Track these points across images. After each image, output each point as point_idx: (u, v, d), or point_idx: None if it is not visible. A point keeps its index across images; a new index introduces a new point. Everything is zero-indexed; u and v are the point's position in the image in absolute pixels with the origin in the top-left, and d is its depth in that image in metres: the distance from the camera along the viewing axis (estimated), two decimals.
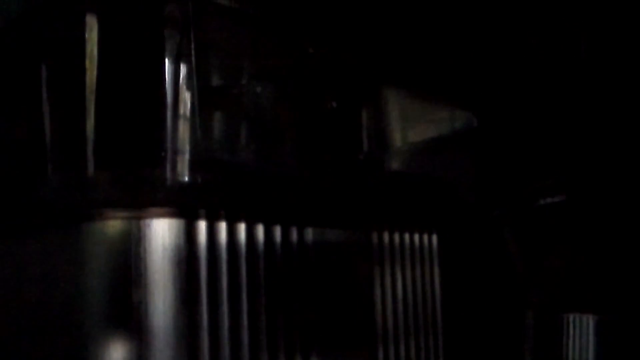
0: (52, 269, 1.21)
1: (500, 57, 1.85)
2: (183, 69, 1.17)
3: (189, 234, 1.18)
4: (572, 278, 1.62)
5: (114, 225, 1.16)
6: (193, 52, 1.17)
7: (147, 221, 1.13)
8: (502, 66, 1.85)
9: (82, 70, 1.19)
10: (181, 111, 1.15)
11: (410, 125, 1.77)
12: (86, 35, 1.18)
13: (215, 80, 1.31)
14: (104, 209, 1.13)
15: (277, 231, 1.34)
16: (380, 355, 1.56)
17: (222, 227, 1.23)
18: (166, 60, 1.16)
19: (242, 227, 1.26)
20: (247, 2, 1.32)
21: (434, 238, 1.76)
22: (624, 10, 1.56)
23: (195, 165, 1.16)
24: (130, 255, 1.14)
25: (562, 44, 1.75)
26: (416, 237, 1.72)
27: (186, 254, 1.17)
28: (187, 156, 1.15)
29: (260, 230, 1.30)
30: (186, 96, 1.15)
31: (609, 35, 1.64)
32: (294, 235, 1.37)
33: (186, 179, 1.15)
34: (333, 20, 1.50)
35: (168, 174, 1.13)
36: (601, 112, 1.67)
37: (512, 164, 1.89)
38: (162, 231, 1.14)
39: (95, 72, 1.19)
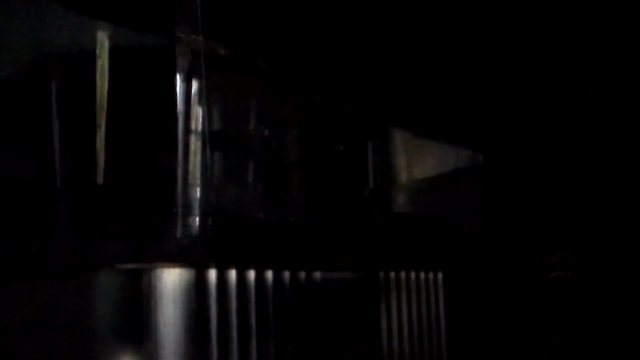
0: (60, 317, 1.19)
1: (505, 99, 1.84)
2: (194, 121, 1.15)
3: (200, 284, 1.16)
4: None
5: (124, 276, 1.14)
6: (204, 101, 1.16)
7: (158, 272, 1.12)
8: (508, 107, 1.84)
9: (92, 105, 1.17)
10: (191, 164, 1.13)
11: (415, 163, 1.75)
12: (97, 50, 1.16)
13: (223, 127, 1.29)
14: (115, 261, 1.11)
15: (286, 276, 1.32)
16: None
17: (232, 275, 1.21)
18: (178, 117, 1.15)
19: (251, 275, 1.25)
20: (256, 54, 1.31)
21: (440, 276, 1.75)
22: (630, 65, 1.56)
23: (205, 218, 1.14)
24: (140, 306, 1.12)
25: (569, 95, 1.75)
26: (422, 275, 1.70)
27: (197, 305, 1.16)
28: (197, 210, 1.13)
29: (269, 276, 1.28)
30: (197, 154, 1.13)
31: (615, 89, 1.63)
32: (303, 279, 1.35)
33: (197, 232, 1.14)
34: (338, 68, 1.49)
35: (179, 228, 1.12)
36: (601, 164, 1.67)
37: (519, 202, 1.88)
38: (172, 282, 1.13)
39: (107, 99, 1.17)
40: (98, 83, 1.19)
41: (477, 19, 1.73)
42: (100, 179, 1.18)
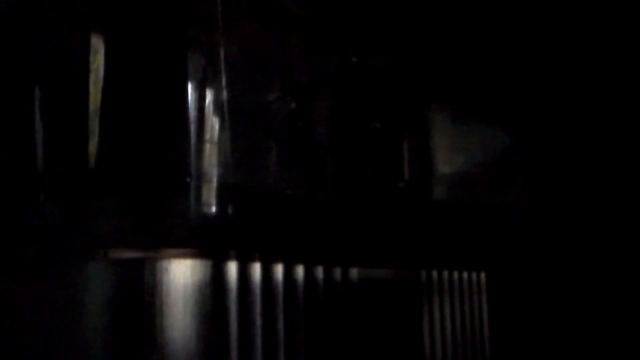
0: (50, 315, 0.93)
1: (555, 80, 1.64)
2: (210, 82, 0.91)
3: (217, 279, 0.91)
4: None
5: (122, 267, 0.88)
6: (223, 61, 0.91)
7: (165, 263, 0.86)
8: (559, 88, 1.64)
9: (84, 91, 0.92)
10: (207, 131, 0.88)
11: (455, 151, 1.53)
12: (91, 57, 0.92)
13: (243, 96, 1.04)
14: (109, 247, 0.86)
15: (319, 272, 1.08)
16: None
17: (256, 269, 0.96)
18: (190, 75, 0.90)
19: (279, 269, 1.00)
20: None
21: (482, 276, 1.55)
22: None
23: (223, 194, 0.89)
24: (142, 307, 0.87)
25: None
26: (464, 274, 1.50)
27: (213, 305, 0.90)
28: (214, 182, 0.88)
29: (300, 271, 1.04)
30: (213, 115, 0.88)
31: None
32: (338, 275, 1.11)
33: (214, 210, 0.88)
34: (381, 27, 1.25)
35: (192, 204, 0.86)
36: None
37: (569, 194, 1.68)
38: (183, 276, 0.87)
39: (100, 93, 0.93)
40: (92, 91, 0.95)
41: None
42: (92, 154, 0.93)
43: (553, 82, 1.66)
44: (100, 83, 0.95)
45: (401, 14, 1.30)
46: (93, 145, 0.94)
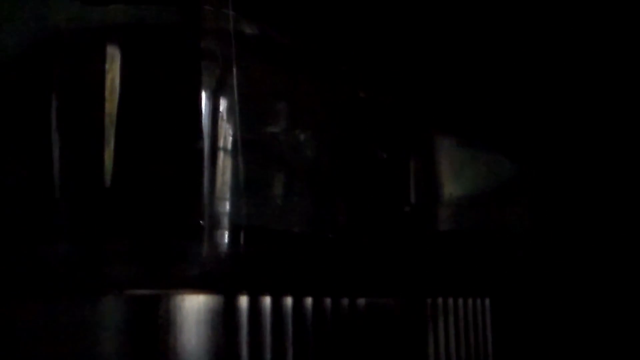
0: (60, 348, 0.95)
1: (559, 106, 1.65)
2: (221, 123, 0.93)
3: (229, 313, 0.93)
4: None
5: (136, 302, 0.90)
6: (236, 99, 0.93)
7: (178, 299, 0.88)
8: (563, 115, 1.65)
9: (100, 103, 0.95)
10: (219, 173, 0.90)
11: (460, 176, 1.54)
12: (106, 66, 0.94)
13: (254, 131, 1.06)
14: (122, 287, 0.88)
15: (327, 304, 1.09)
16: None
17: (266, 302, 0.98)
18: (203, 111, 0.92)
19: (288, 302, 1.02)
20: (292, 35, 1.09)
21: (487, 302, 1.56)
22: None
23: (234, 235, 0.91)
24: (156, 341, 0.89)
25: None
26: (469, 301, 1.51)
27: (226, 338, 0.93)
28: (226, 224, 0.90)
29: (308, 304, 1.06)
30: (225, 156, 0.91)
31: None
32: (346, 306, 1.13)
33: (225, 250, 0.91)
34: (388, 62, 1.27)
35: (205, 246, 0.88)
36: None
37: (569, 216, 1.69)
38: (196, 311, 0.89)
39: (115, 107, 0.95)
40: (108, 99, 0.97)
41: (535, 31, 1.54)
42: (107, 184, 0.95)
43: (558, 109, 1.68)
44: (117, 95, 0.98)
45: (407, 50, 1.32)
46: (109, 158, 0.96)
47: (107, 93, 0.98)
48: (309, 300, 1.05)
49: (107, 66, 0.98)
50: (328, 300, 1.09)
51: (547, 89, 1.66)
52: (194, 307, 0.90)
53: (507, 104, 1.60)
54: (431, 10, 1.36)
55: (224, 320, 0.92)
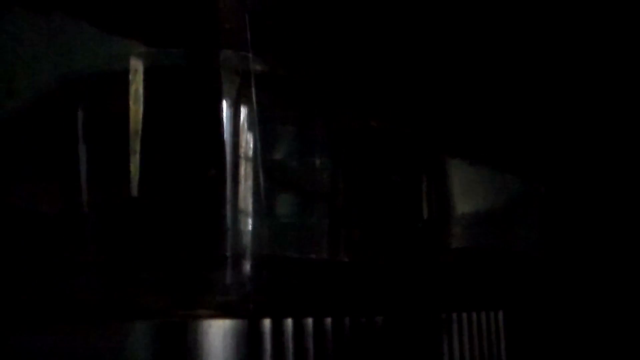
0: None
1: (569, 124, 1.66)
2: (242, 151, 0.95)
3: (253, 336, 0.95)
4: None
5: (164, 328, 0.92)
6: (255, 127, 0.95)
7: (205, 325, 0.90)
8: (570, 136, 1.66)
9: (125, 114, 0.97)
10: (242, 200, 0.93)
11: (471, 195, 1.55)
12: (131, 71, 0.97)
13: (270, 158, 1.09)
14: (150, 312, 0.90)
15: (346, 323, 1.11)
16: None
17: (289, 324, 1.00)
18: (226, 145, 0.94)
19: (309, 323, 1.03)
20: (309, 75, 1.11)
21: (500, 315, 1.56)
22: None
23: (257, 262, 0.93)
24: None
25: None
26: (482, 316, 1.51)
27: (248, 357, 0.94)
28: (249, 252, 0.92)
29: (328, 323, 1.07)
30: (247, 186, 0.93)
31: None
32: (364, 325, 1.14)
33: (249, 279, 0.93)
34: (398, 93, 1.29)
35: (229, 276, 0.90)
36: None
37: (583, 234, 1.69)
38: (222, 336, 0.91)
39: (140, 119, 0.97)
40: (132, 108, 1.00)
41: (543, 51, 1.55)
42: (133, 211, 0.97)
43: (568, 128, 1.69)
44: (141, 106, 1.00)
45: (415, 81, 1.34)
46: (135, 170, 0.98)
47: (132, 123, 1.00)
48: (328, 321, 1.07)
49: (130, 92, 1.00)
50: (347, 320, 1.10)
51: (557, 109, 1.67)
52: (220, 332, 0.92)
53: (517, 123, 1.61)
54: (439, 44, 1.38)
55: (249, 344, 0.94)
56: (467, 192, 1.56)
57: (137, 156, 0.96)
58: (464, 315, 1.45)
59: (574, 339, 1.66)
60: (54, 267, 0.99)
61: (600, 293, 1.66)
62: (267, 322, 0.97)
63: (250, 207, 0.96)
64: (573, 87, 1.64)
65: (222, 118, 0.98)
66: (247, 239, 0.94)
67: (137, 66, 1.00)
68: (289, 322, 1.00)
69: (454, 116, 1.46)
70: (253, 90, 0.97)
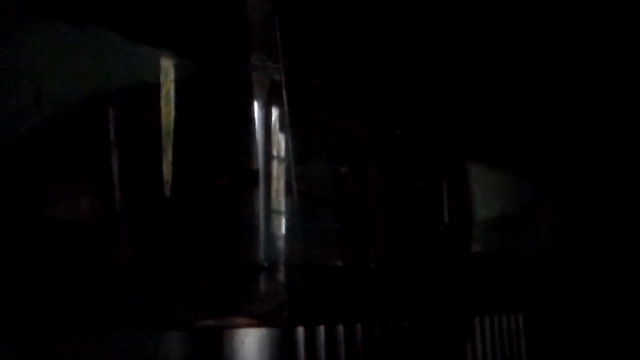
0: None
1: (587, 127, 1.66)
2: (274, 159, 0.95)
3: (287, 344, 0.95)
4: None
5: (198, 336, 0.92)
6: (287, 135, 0.96)
7: (241, 334, 0.90)
8: (591, 137, 1.66)
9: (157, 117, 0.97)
10: (275, 209, 0.93)
11: (490, 200, 1.55)
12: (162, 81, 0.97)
13: (300, 167, 1.09)
14: (185, 321, 0.90)
15: (375, 329, 1.11)
16: None
17: (321, 332, 1.00)
18: (258, 150, 0.94)
19: (340, 330, 1.03)
20: (339, 85, 1.11)
21: (520, 318, 1.57)
22: None
23: (292, 271, 0.94)
24: None
25: None
26: (503, 319, 1.52)
27: None
28: (282, 260, 0.92)
29: (358, 330, 1.07)
30: (280, 194, 0.93)
31: None
32: (392, 330, 1.15)
33: (283, 287, 0.93)
34: (421, 101, 1.30)
35: (263, 285, 0.90)
36: None
37: (602, 236, 1.69)
38: (258, 344, 0.91)
39: (173, 134, 0.97)
40: (163, 111, 1.00)
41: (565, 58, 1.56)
42: (167, 220, 0.97)
43: (585, 134, 1.69)
44: (172, 110, 1.00)
45: (437, 91, 1.34)
46: (167, 178, 0.98)
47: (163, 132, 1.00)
48: (358, 327, 1.07)
49: (162, 95, 1.01)
50: (376, 325, 1.10)
51: (574, 112, 1.67)
52: (255, 341, 0.92)
53: (535, 128, 1.61)
54: (460, 54, 1.38)
55: (284, 352, 0.94)
56: (487, 198, 1.56)
57: (170, 163, 0.96)
58: (486, 319, 1.45)
59: (593, 340, 1.66)
60: (90, 276, 0.99)
61: (620, 294, 1.66)
62: (300, 330, 0.97)
63: (283, 215, 0.96)
64: (590, 92, 1.64)
65: (254, 124, 0.98)
66: (280, 247, 0.94)
67: (168, 70, 1.00)
68: (322, 329, 1.00)
69: (474, 122, 1.46)
70: (284, 96, 0.97)
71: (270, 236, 0.96)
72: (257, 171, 0.97)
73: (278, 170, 0.99)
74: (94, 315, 1.01)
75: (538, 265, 1.62)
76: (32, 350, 1.01)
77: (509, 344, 1.51)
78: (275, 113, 1.00)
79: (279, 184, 0.98)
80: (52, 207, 1.06)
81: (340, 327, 1.04)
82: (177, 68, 0.99)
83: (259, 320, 0.92)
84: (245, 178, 0.97)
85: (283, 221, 0.97)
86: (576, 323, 1.65)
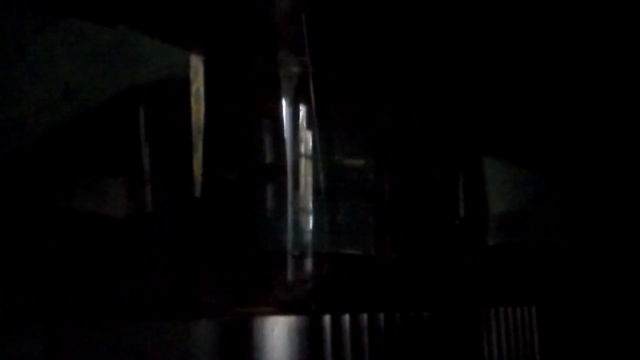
0: None
1: (597, 123, 1.68)
2: (302, 151, 0.97)
3: (314, 332, 0.97)
4: None
5: (228, 324, 0.95)
6: (314, 128, 0.98)
7: (270, 322, 0.93)
8: (601, 134, 1.68)
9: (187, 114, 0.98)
10: (303, 198, 0.95)
11: (506, 192, 1.58)
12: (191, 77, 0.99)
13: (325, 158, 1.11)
14: (212, 315, 0.92)
15: (397, 318, 1.13)
16: None
17: (346, 320, 1.02)
18: (286, 141, 0.97)
19: (364, 318, 1.06)
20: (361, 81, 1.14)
21: (533, 310, 1.59)
22: None
23: (319, 260, 0.96)
24: (249, 356, 0.93)
25: None
26: (517, 311, 1.54)
27: (311, 352, 0.96)
28: (310, 250, 0.94)
29: (381, 319, 1.10)
30: (306, 185, 0.95)
31: None
32: (412, 320, 1.17)
33: (310, 276, 0.95)
34: (439, 95, 1.32)
35: (291, 273, 0.93)
36: None
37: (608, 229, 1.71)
38: (285, 332, 0.94)
39: (202, 118, 0.99)
40: (194, 107, 1.02)
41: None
42: (196, 210, 0.99)
43: (595, 130, 1.71)
44: (202, 106, 1.03)
45: (455, 87, 1.37)
46: (198, 169, 1.01)
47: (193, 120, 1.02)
48: (381, 316, 1.09)
49: (192, 92, 1.03)
50: (397, 315, 1.13)
51: (583, 106, 1.69)
52: (284, 329, 0.94)
53: (547, 123, 1.64)
54: (476, 50, 1.40)
55: (311, 339, 0.96)
56: (502, 190, 1.58)
57: (200, 159, 0.98)
58: (501, 310, 1.47)
59: (603, 333, 1.68)
60: (121, 269, 1.02)
61: (631, 287, 1.68)
62: (327, 318, 0.99)
63: (310, 205, 0.98)
64: (600, 86, 1.66)
65: (282, 118, 1.00)
66: (308, 236, 0.97)
67: (197, 67, 1.03)
68: (347, 317, 1.03)
69: (490, 117, 1.48)
70: (311, 90, 0.99)
71: (298, 227, 0.98)
72: (285, 164, 0.99)
73: (305, 164, 1.02)
74: (126, 306, 1.03)
75: (551, 258, 1.64)
76: (63, 342, 1.03)
77: (522, 335, 1.54)
78: (302, 108, 1.02)
79: (306, 177, 1.00)
80: (84, 201, 1.09)
81: (364, 316, 1.06)
82: (207, 66, 1.01)
83: (287, 309, 0.94)
84: (273, 171, 0.99)
85: (310, 213, 0.99)
86: (588, 315, 1.67)
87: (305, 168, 0.99)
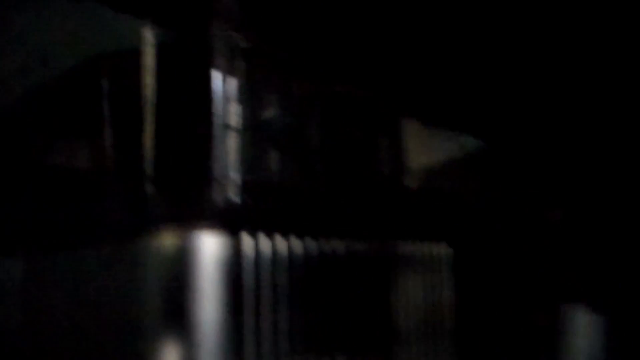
0: (108, 279, 1.24)
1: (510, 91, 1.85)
2: (230, 106, 1.21)
3: (235, 247, 1.22)
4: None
5: (168, 239, 1.19)
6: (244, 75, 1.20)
7: (198, 235, 1.17)
8: (513, 99, 1.84)
9: (140, 92, 1.22)
10: (231, 138, 1.19)
11: (425, 149, 1.78)
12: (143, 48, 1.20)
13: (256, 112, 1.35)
14: (159, 225, 1.17)
15: (312, 243, 1.36)
16: (396, 356, 1.58)
17: (264, 240, 1.26)
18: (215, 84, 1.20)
19: (280, 240, 1.29)
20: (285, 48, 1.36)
21: (445, 247, 1.76)
22: None
23: (243, 186, 1.20)
24: (183, 265, 1.17)
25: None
26: (429, 247, 1.72)
27: (233, 264, 1.21)
28: (236, 178, 1.19)
29: (297, 242, 1.33)
30: (235, 125, 1.19)
31: None
32: (325, 246, 1.40)
33: (234, 200, 1.20)
34: (359, 62, 1.53)
35: (217, 196, 1.18)
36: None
37: (518, 183, 1.88)
38: (211, 244, 1.18)
39: (153, 91, 1.23)
40: (145, 79, 1.25)
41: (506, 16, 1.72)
42: (149, 168, 1.23)
43: (512, 92, 1.88)
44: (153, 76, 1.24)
45: (382, 49, 1.57)
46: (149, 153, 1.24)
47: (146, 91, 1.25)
48: (297, 240, 1.32)
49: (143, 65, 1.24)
50: (311, 240, 1.35)
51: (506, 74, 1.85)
52: (212, 241, 1.19)
53: (468, 89, 1.81)
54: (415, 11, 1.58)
55: (232, 252, 1.21)
56: (422, 148, 1.78)
57: (152, 126, 1.22)
58: (412, 243, 1.66)
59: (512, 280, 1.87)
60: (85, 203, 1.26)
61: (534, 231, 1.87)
62: (246, 237, 1.24)
63: (239, 150, 1.23)
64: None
65: (211, 91, 1.23)
66: (230, 168, 1.21)
67: (148, 42, 1.25)
68: (264, 238, 1.27)
69: (407, 83, 1.67)
70: (242, 61, 1.22)
71: (224, 159, 1.22)
72: (213, 116, 1.23)
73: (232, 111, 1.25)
74: (87, 230, 1.28)
75: (464, 204, 1.84)
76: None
77: (433, 269, 1.72)
78: (234, 78, 1.25)
79: (234, 129, 1.24)
80: (56, 154, 1.34)
81: (280, 238, 1.30)
82: (155, 37, 1.24)
83: (213, 225, 1.19)
84: (204, 121, 1.23)
85: (239, 154, 1.24)
86: (498, 260, 1.87)
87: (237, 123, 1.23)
